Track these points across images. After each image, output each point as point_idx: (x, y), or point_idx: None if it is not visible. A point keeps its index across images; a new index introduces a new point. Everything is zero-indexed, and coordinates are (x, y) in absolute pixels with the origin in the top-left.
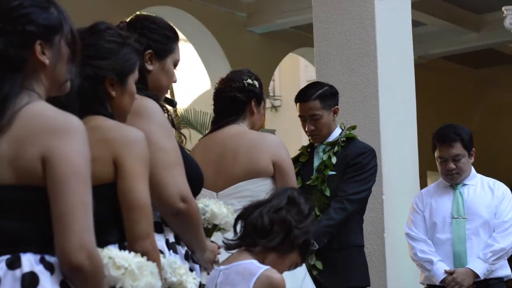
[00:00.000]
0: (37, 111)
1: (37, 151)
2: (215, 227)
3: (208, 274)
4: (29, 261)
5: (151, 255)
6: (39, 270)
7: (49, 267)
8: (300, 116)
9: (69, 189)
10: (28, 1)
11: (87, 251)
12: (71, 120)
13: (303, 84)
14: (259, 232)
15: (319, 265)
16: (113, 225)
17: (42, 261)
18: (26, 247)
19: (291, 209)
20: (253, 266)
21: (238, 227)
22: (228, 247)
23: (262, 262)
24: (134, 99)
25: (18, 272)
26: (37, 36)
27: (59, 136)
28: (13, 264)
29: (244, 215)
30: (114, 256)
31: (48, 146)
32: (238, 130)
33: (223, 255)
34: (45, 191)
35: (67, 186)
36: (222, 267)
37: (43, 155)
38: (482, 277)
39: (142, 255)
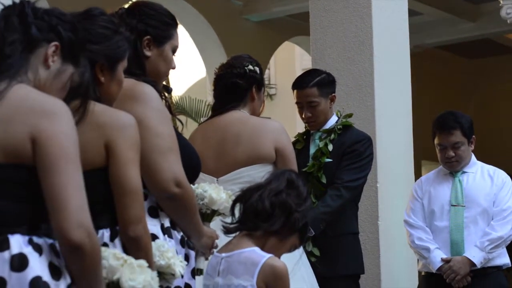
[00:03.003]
0: (24, 93)
1: (26, 130)
2: (214, 213)
3: (207, 259)
4: (17, 243)
5: (143, 239)
6: (28, 251)
7: (37, 249)
8: (297, 103)
9: (60, 169)
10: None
11: (86, 229)
12: (58, 102)
13: (298, 73)
14: (261, 216)
15: (316, 251)
16: (105, 210)
17: (30, 242)
18: (14, 228)
19: (291, 192)
20: (255, 255)
21: (237, 211)
22: (227, 230)
23: (263, 246)
24: (121, 87)
25: (6, 254)
26: (58, 37)
27: (48, 117)
28: (1, 246)
29: (243, 198)
30: (114, 251)
31: (37, 126)
32: (240, 116)
33: (223, 239)
34: (34, 170)
35: (58, 166)
36: (223, 254)
37: (32, 135)
38: (478, 266)
39: (135, 239)
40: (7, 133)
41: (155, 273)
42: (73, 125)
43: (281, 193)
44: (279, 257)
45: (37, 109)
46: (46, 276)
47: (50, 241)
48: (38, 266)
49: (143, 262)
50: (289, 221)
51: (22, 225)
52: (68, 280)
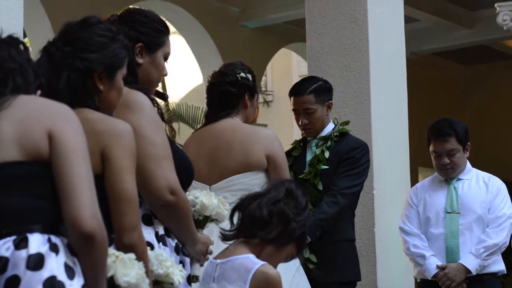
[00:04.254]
0: (32, 98)
1: (43, 127)
2: (207, 219)
3: (201, 266)
4: (36, 242)
5: (139, 247)
6: (45, 251)
7: (54, 248)
8: (293, 110)
9: (76, 162)
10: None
11: (98, 221)
12: (65, 106)
13: (295, 79)
14: (258, 224)
15: (314, 258)
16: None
17: (48, 241)
18: (33, 227)
19: (289, 201)
20: (249, 262)
21: (236, 218)
22: (225, 237)
23: (259, 254)
24: (121, 94)
25: (24, 253)
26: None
27: (61, 117)
28: (20, 244)
29: (242, 206)
30: None
31: (53, 124)
32: (232, 123)
33: (221, 245)
34: (50, 167)
35: (74, 160)
36: (218, 260)
37: (49, 131)
38: (474, 273)
39: (130, 247)
40: (26, 131)
41: (141, 263)
42: (82, 127)
43: (279, 202)
44: (276, 266)
45: (50, 110)
46: (62, 276)
47: (66, 241)
48: (54, 266)
49: (132, 255)
50: (286, 230)
51: (41, 223)
52: (82, 280)
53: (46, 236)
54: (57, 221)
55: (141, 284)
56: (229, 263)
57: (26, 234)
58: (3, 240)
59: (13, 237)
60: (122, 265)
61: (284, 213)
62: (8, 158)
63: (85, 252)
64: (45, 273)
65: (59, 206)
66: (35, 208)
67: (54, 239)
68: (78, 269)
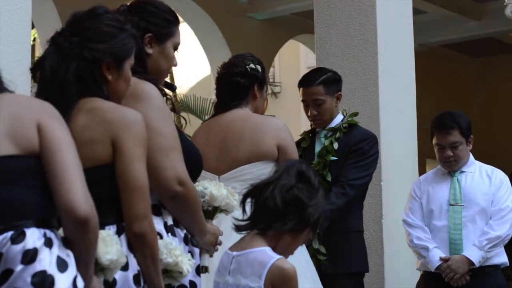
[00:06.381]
0: (16, 95)
1: (32, 121)
2: (216, 209)
3: (211, 256)
4: (33, 237)
5: (149, 236)
6: (40, 245)
7: (48, 243)
8: (303, 100)
9: (66, 151)
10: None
11: (91, 205)
12: (48, 103)
13: (303, 71)
14: (273, 216)
15: (323, 249)
16: (111, 206)
17: (44, 236)
18: (28, 221)
19: (302, 185)
20: (265, 256)
21: (248, 206)
22: (238, 228)
23: (276, 245)
24: (129, 84)
25: (20, 247)
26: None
27: (45, 112)
28: (16, 238)
29: (254, 194)
30: None
31: (40, 118)
32: (242, 114)
33: (232, 236)
34: (41, 160)
35: (63, 149)
36: (235, 253)
37: (37, 123)
38: (477, 265)
39: (141, 236)
40: (18, 125)
41: (116, 236)
42: (64, 122)
43: (292, 189)
44: (293, 252)
45: (35, 104)
46: (53, 269)
47: (60, 234)
48: (47, 260)
49: (109, 232)
50: (303, 218)
51: (35, 217)
52: (75, 272)
53: (42, 231)
54: (49, 215)
55: (120, 260)
56: (244, 256)
57: (23, 229)
58: (1, 237)
59: (11, 233)
60: (102, 243)
61: (299, 200)
62: (2, 152)
63: (80, 237)
64: (36, 267)
65: (51, 199)
66: (30, 202)
67: (49, 233)
68: (71, 261)
